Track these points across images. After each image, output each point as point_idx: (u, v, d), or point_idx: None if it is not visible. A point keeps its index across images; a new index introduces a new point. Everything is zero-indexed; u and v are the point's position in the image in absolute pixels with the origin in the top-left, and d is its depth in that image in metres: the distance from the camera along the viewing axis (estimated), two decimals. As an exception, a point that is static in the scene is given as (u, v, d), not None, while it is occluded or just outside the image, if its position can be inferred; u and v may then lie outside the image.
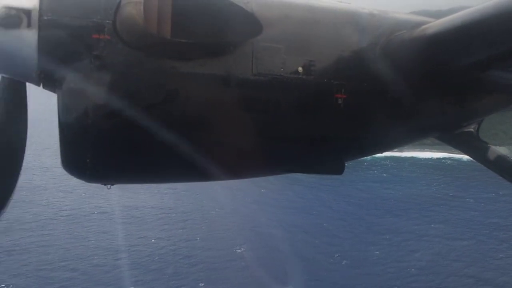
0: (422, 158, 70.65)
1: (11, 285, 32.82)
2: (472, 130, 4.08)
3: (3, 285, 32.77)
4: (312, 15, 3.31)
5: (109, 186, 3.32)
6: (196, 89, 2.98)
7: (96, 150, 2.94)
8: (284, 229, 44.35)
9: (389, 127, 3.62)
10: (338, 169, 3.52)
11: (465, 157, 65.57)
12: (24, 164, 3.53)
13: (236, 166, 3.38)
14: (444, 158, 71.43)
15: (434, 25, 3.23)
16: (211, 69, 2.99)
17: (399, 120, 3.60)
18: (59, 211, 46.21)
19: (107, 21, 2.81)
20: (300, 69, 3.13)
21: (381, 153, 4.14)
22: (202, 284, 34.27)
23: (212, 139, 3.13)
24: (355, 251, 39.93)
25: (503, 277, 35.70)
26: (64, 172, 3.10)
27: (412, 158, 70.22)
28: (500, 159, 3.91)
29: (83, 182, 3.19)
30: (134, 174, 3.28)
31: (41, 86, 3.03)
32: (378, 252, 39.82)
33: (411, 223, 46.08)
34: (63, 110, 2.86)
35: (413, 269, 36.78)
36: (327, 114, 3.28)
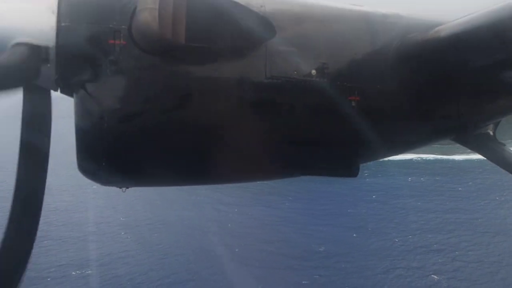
0: (396, 160, 78.56)
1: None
2: (489, 131, 4.07)
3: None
4: (324, 17, 3.33)
5: (124, 189, 3.41)
6: (210, 93, 3.02)
7: (112, 154, 3.00)
8: (335, 218, 47.27)
9: (403, 130, 3.63)
10: (352, 172, 3.54)
11: (431, 156, 75.67)
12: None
13: (251, 169, 3.44)
14: (414, 159, 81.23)
15: (449, 26, 3.19)
16: (225, 73, 3.02)
17: (413, 122, 3.60)
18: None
19: (123, 26, 2.83)
20: (313, 71, 3.14)
21: (395, 155, 4.14)
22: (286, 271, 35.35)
23: (226, 142, 3.17)
24: (405, 231, 44.54)
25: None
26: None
27: (388, 160, 78.13)
28: None
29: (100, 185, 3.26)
30: (149, 178, 3.36)
31: (59, 91, 3.08)
32: (422, 229, 45.18)
33: (429, 205, 52.45)
34: (80, 115, 2.90)
35: (462, 242, 42.20)
36: (341, 116, 3.28)
